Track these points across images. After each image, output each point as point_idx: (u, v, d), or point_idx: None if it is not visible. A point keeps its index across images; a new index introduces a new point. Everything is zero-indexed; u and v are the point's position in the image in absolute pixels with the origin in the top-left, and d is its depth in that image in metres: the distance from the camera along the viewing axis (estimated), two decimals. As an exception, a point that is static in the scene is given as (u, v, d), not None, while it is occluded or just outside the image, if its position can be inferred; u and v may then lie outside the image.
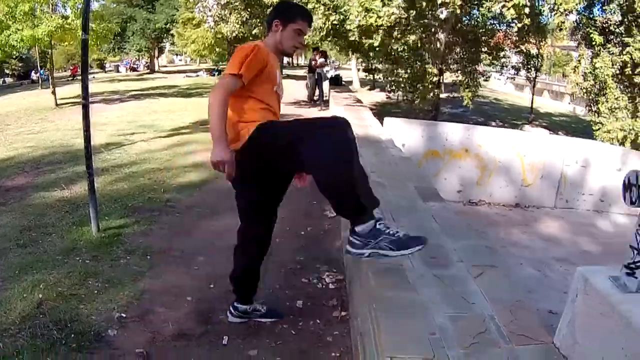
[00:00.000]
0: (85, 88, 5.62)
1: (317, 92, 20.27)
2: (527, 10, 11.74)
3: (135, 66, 63.70)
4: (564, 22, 12.48)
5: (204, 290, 4.55)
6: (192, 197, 7.46)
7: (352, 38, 13.31)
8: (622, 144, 14.70)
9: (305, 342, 3.78)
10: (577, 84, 17.03)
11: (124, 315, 4.03)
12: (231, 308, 3.98)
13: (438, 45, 16.08)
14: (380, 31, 12.88)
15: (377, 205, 3.16)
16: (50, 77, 23.59)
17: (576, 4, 12.10)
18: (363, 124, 11.10)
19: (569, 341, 2.43)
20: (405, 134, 9.68)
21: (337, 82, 24.36)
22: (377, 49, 14.55)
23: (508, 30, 19.20)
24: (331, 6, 12.66)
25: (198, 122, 15.44)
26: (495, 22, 17.93)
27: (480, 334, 2.63)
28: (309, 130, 3.09)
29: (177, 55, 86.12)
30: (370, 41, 13.57)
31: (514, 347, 2.54)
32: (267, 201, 3.63)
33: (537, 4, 13.60)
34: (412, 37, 14.69)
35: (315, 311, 4.24)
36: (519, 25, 12.94)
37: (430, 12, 14.13)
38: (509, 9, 11.74)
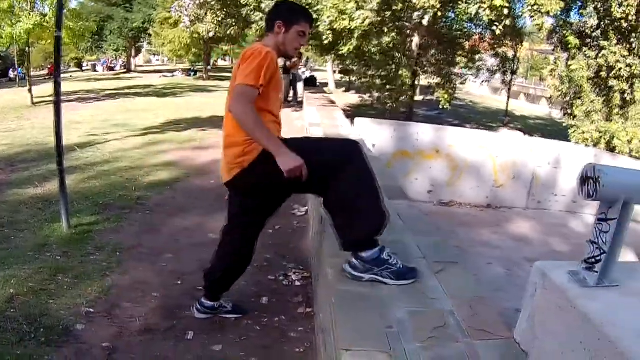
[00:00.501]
0: (57, 85, 5.62)
1: (291, 92, 20.34)
2: (505, 11, 11.79)
3: (112, 65, 63.35)
4: (543, 23, 12.58)
5: (171, 287, 4.57)
6: (163, 195, 7.46)
7: (325, 41, 13.32)
8: (596, 145, 14.82)
9: (270, 338, 3.81)
10: (555, 87, 17.18)
11: (91, 310, 4.05)
12: (197, 304, 3.98)
13: (413, 47, 16.13)
14: (355, 33, 12.90)
15: (384, 227, 3.19)
16: (27, 76, 23.42)
17: (555, 6, 12.18)
18: (334, 124, 11.10)
19: (529, 336, 2.44)
20: (375, 134, 9.71)
21: (312, 84, 24.39)
22: (352, 52, 14.57)
23: (484, 33, 19.30)
24: (305, 4, 12.64)
25: (171, 121, 15.53)
26: (471, 25, 18.05)
27: (439, 328, 2.64)
28: (328, 160, 3.14)
29: (154, 55, 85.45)
30: (345, 48, 13.62)
31: (472, 341, 2.54)
32: (263, 211, 3.60)
33: (514, 6, 13.69)
34: (386, 39, 14.76)
35: (281, 308, 4.26)
36: (499, 27, 12.99)
37: (405, 15, 14.19)
38: (485, 9, 11.80)
